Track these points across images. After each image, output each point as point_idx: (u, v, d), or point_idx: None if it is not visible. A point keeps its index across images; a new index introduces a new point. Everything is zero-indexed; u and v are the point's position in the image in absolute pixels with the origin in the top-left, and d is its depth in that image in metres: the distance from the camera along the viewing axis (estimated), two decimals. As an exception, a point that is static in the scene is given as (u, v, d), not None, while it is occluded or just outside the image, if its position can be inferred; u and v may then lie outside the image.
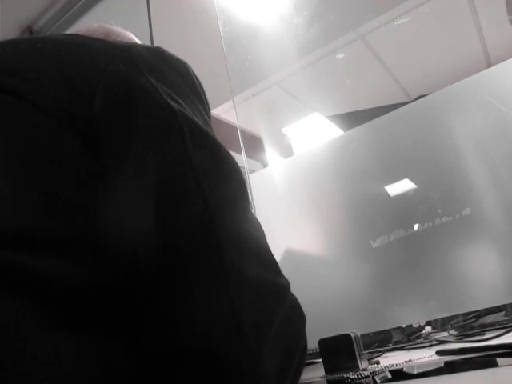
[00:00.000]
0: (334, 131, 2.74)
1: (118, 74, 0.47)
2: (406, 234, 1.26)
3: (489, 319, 1.19)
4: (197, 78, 0.57)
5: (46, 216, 0.40)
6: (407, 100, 2.43)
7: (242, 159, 1.74)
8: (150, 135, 0.44)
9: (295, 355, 0.48)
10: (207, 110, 0.56)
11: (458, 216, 1.19)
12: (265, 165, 2.54)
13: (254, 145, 2.78)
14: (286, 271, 0.49)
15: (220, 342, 0.39)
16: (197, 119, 0.48)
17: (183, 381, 0.39)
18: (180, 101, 0.48)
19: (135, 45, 0.53)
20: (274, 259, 0.49)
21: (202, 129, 0.47)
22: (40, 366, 0.32)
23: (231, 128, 2.51)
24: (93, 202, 0.42)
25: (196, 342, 0.39)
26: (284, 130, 2.89)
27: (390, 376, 0.83)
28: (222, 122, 2.66)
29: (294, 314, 0.49)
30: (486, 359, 0.75)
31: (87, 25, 0.76)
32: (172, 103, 0.46)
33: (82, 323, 0.37)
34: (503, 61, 1.26)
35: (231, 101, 1.96)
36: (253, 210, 0.50)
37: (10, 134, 0.44)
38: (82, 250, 0.40)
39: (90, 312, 0.38)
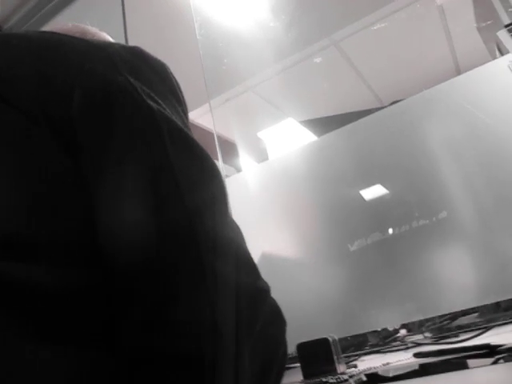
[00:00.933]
0: (308, 136, 2.76)
1: (96, 72, 0.46)
2: (383, 237, 1.27)
3: (463, 321, 1.21)
4: (175, 80, 0.56)
5: (25, 221, 0.39)
6: (380, 106, 2.47)
7: (218, 165, 1.73)
8: (129, 136, 0.43)
9: (276, 359, 0.48)
10: (185, 111, 0.56)
11: (434, 219, 1.20)
12: (238, 170, 2.53)
13: (228, 150, 2.78)
14: (262, 276, 0.49)
15: (199, 345, 0.39)
16: (176, 120, 0.47)
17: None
18: (159, 101, 0.47)
19: (113, 44, 0.52)
20: (254, 263, 0.48)
21: (181, 130, 0.47)
22: (13, 379, 0.31)
23: (205, 133, 2.50)
24: (72, 204, 0.41)
25: (175, 345, 0.38)
26: (258, 135, 2.89)
27: (365, 379, 0.83)
28: (195, 127, 2.64)
29: (274, 318, 0.49)
30: (460, 361, 0.76)
31: (61, 24, 0.74)
32: (151, 103, 0.45)
33: (58, 332, 0.36)
34: (472, 67, 1.29)
35: (205, 105, 1.94)
36: None
37: None
38: (58, 254, 0.39)
39: (67, 320, 0.37)
